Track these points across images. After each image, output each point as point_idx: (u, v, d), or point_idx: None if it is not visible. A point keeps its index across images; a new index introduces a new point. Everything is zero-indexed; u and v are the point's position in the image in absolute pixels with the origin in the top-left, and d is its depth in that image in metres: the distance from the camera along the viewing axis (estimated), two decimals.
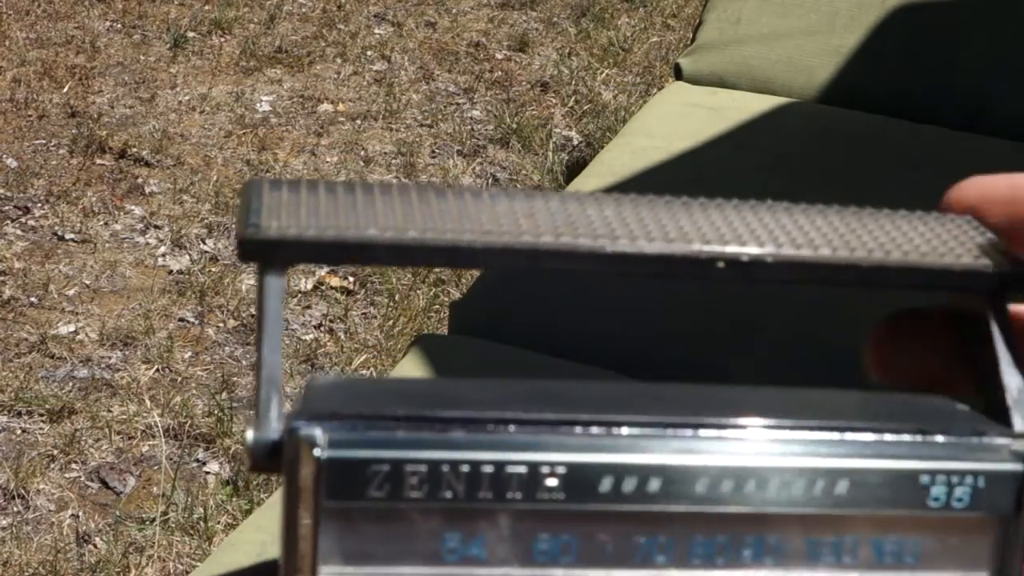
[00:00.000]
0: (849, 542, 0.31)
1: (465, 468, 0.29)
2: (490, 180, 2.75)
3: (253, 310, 2.28)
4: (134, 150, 2.72)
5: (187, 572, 1.76)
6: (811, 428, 0.31)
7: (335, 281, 2.38)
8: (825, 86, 2.05)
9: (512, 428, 0.30)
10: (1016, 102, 2.01)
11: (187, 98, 2.97)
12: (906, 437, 0.31)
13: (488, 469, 0.29)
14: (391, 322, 2.27)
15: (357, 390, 0.32)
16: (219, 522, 1.84)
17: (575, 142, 2.94)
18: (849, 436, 0.31)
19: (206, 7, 3.38)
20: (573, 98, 3.09)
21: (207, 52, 3.18)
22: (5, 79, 2.97)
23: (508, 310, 1.54)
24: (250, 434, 0.30)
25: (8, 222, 2.48)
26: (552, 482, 0.29)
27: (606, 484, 0.30)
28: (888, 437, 0.31)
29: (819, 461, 0.30)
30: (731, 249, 0.32)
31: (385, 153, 2.83)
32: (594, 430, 0.30)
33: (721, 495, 0.30)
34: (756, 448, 0.30)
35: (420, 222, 0.31)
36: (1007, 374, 0.32)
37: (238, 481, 1.91)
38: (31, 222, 2.48)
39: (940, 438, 0.31)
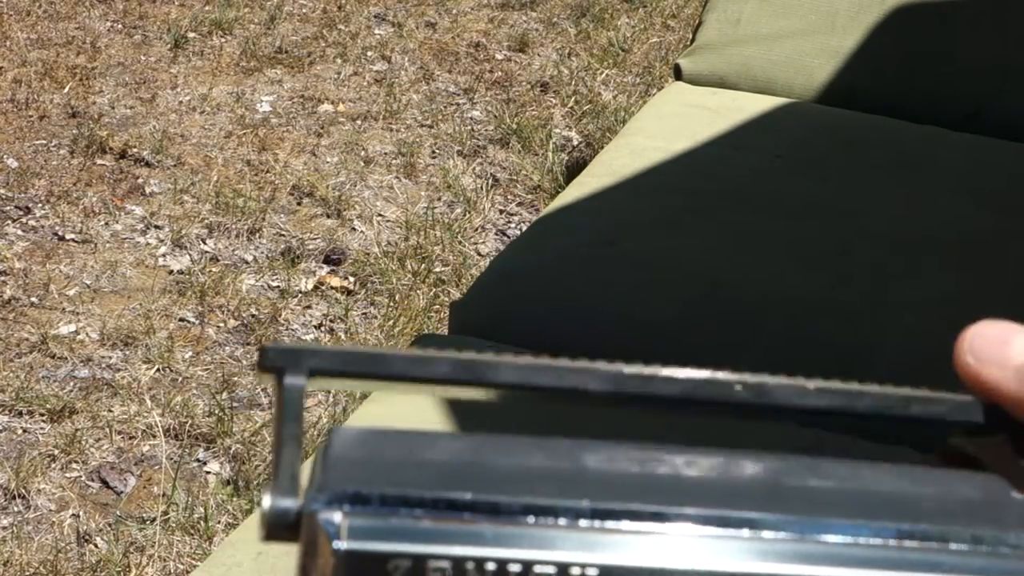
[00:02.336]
0: None
1: (491, 566, 0.27)
2: (490, 180, 2.76)
3: (253, 310, 2.28)
4: (135, 150, 2.73)
5: (187, 572, 1.76)
6: (850, 534, 0.28)
7: (335, 281, 2.38)
8: (825, 86, 2.05)
9: (542, 520, 0.28)
10: (1016, 102, 2.01)
11: (187, 98, 2.97)
12: (959, 546, 0.28)
13: (516, 568, 0.27)
14: (391, 322, 2.27)
15: (380, 452, 0.29)
16: (219, 522, 1.84)
17: (575, 142, 2.94)
18: (900, 543, 0.28)
19: (206, 8, 3.38)
20: (573, 98, 3.09)
21: (208, 52, 3.18)
22: (6, 79, 2.98)
23: (508, 310, 1.55)
24: (267, 500, 0.28)
25: (9, 222, 2.48)
26: None
27: None
28: (939, 546, 0.28)
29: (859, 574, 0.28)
30: (749, 376, 0.30)
31: (385, 153, 2.83)
32: (630, 525, 0.28)
33: None
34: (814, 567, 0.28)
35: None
36: None
37: (238, 481, 1.91)
38: (32, 222, 2.48)
39: (997, 549, 0.28)
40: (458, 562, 0.27)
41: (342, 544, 0.27)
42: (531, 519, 0.28)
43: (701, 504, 0.28)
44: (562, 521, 0.28)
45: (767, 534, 0.28)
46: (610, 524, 0.28)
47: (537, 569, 0.27)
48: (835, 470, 0.30)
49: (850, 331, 1.50)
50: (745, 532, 0.28)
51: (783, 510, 0.28)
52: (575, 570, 0.27)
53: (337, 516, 0.27)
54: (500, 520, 0.28)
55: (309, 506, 0.27)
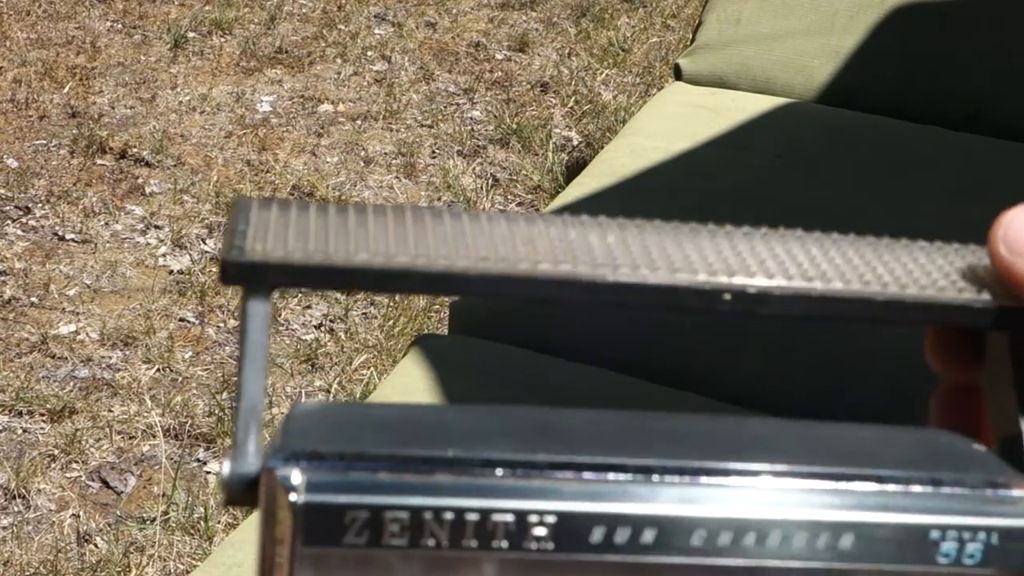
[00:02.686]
0: None
1: (449, 516, 0.27)
2: (490, 180, 2.76)
3: None
4: (134, 150, 2.73)
5: (187, 572, 1.76)
6: (816, 476, 0.29)
7: None
8: (825, 86, 2.05)
9: (500, 472, 0.28)
10: (1016, 102, 2.01)
11: (187, 98, 2.97)
12: (916, 488, 0.29)
13: (473, 517, 0.27)
14: (391, 322, 2.27)
15: (340, 420, 0.30)
16: (219, 522, 1.84)
17: (575, 142, 2.94)
18: (857, 486, 0.29)
19: (206, 7, 3.38)
20: (573, 98, 3.10)
21: (207, 52, 3.18)
22: (6, 79, 2.98)
23: (508, 310, 1.54)
24: (226, 466, 0.29)
25: (9, 222, 2.48)
26: (541, 531, 0.28)
27: (598, 534, 0.28)
28: (898, 488, 0.29)
29: (823, 514, 0.29)
30: (738, 281, 0.30)
31: (385, 153, 2.83)
32: (587, 475, 0.28)
33: (718, 547, 0.28)
34: (756, 498, 0.29)
35: (412, 247, 0.30)
36: None
37: None
38: (32, 222, 2.48)
39: (953, 490, 0.29)
40: (415, 513, 0.27)
41: (299, 498, 0.27)
42: (488, 471, 0.28)
43: (642, 453, 0.29)
44: (519, 472, 0.28)
45: (702, 479, 0.29)
46: (566, 475, 0.28)
47: (495, 518, 0.27)
48: (784, 426, 0.31)
49: (850, 328, 1.50)
50: (685, 479, 0.29)
51: (734, 457, 0.29)
52: (533, 518, 0.28)
53: (294, 472, 0.27)
54: (457, 471, 0.28)
55: (267, 464, 0.28)
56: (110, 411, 2.02)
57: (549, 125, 2.97)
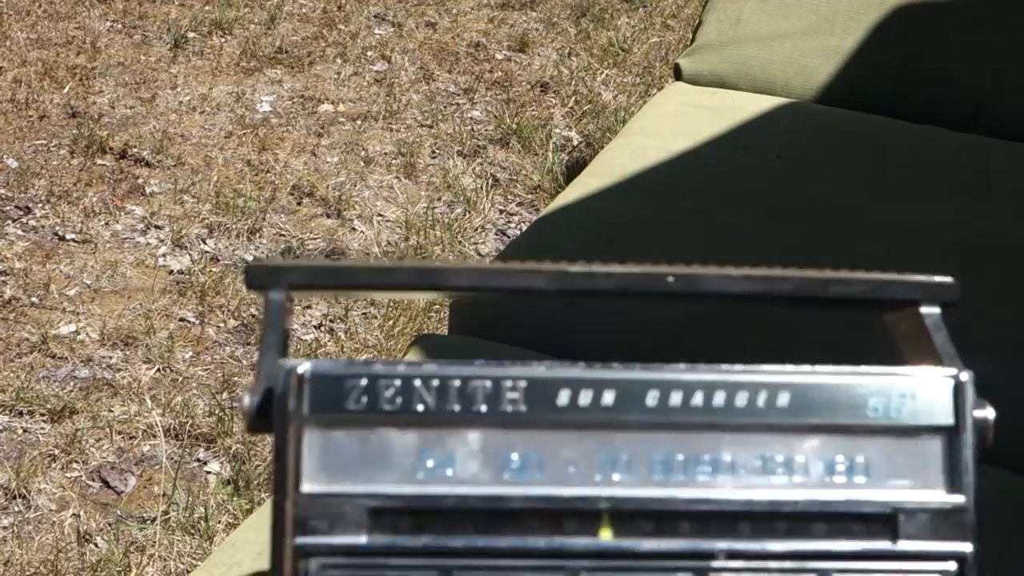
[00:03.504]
0: (801, 460, 0.32)
1: (435, 382, 0.32)
2: (490, 180, 2.75)
3: (253, 310, 2.28)
4: (135, 150, 2.73)
5: (188, 572, 1.76)
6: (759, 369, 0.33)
7: None
8: (825, 86, 2.05)
9: (479, 361, 0.33)
10: (1016, 102, 2.01)
11: (187, 98, 2.97)
12: (845, 367, 0.33)
13: (456, 383, 0.32)
14: (391, 322, 2.27)
15: (350, 366, 0.34)
16: (220, 522, 1.84)
17: (575, 142, 2.94)
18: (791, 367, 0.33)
19: (206, 7, 3.38)
20: (573, 98, 3.09)
21: (207, 52, 3.18)
22: (6, 79, 2.98)
23: (508, 310, 1.54)
24: (247, 398, 0.33)
25: (9, 222, 2.48)
26: (514, 395, 0.32)
27: (563, 397, 0.32)
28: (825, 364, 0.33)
29: (761, 376, 0.33)
30: (680, 268, 0.34)
31: (385, 153, 2.83)
32: (554, 361, 0.33)
33: (671, 408, 0.32)
34: (703, 368, 0.33)
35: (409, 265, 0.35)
36: None
37: (239, 481, 1.92)
38: (32, 222, 2.48)
39: (877, 367, 0.33)
40: (406, 381, 0.32)
41: (307, 370, 0.32)
42: (471, 364, 0.33)
43: (611, 359, 0.34)
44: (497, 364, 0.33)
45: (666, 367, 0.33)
46: (535, 361, 0.33)
47: (474, 383, 0.32)
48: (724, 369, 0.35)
49: (850, 328, 1.50)
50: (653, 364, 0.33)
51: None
52: (507, 383, 0.32)
53: (302, 364, 0.32)
54: (443, 363, 0.33)
55: (279, 364, 0.32)
56: (110, 411, 2.02)
57: (549, 125, 2.97)
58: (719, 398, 0.32)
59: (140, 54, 3.15)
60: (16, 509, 1.84)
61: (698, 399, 0.32)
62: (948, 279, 0.35)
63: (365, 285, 0.35)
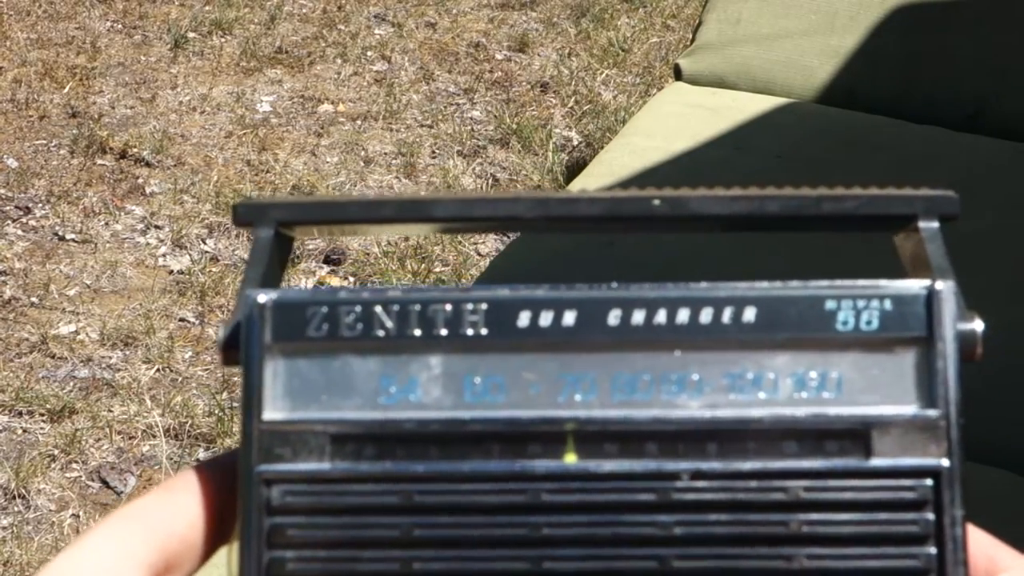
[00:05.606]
0: (769, 377, 0.32)
1: (396, 307, 0.32)
2: (490, 180, 2.75)
3: None
4: (135, 150, 2.73)
5: None
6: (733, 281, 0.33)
7: (335, 281, 2.38)
8: (825, 86, 2.05)
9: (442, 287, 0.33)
10: (1016, 102, 2.01)
11: (187, 98, 2.97)
12: (814, 281, 0.32)
13: (416, 308, 0.32)
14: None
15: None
16: None
17: (575, 142, 2.94)
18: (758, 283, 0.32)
19: (206, 7, 3.38)
20: (573, 98, 3.09)
21: (207, 52, 3.18)
22: (6, 79, 2.98)
23: None
24: (220, 331, 0.33)
25: (9, 222, 2.48)
26: (474, 317, 0.32)
27: (524, 318, 0.32)
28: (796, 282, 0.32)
29: (727, 291, 0.32)
30: (667, 192, 0.34)
31: (385, 153, 2.83)
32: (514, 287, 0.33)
33: (633, 327, 0.32)
34: (666, 285, 0.32)
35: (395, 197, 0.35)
36: None
37: None
38: (32, 222, 2.48)
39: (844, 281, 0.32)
40: (366, 306, 0.32)
41: (268, 299, 0.32)
42: (434, 289, 0.33)
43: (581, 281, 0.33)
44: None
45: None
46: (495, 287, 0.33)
47: (435, 307, 0.32)
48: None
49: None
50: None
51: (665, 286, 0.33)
52: (468, 306, 0.32)
53: (264, 291, 0.32)
54: (405, 288, 0.32)
55: (244, 294, 0.32)
56: (110, 411, 2.02)
57: (549, 125, 2.97)
58: (683, 315, 0.32)
59: (140, 54, 3.15)
60: (16, 509, 1.84)
61: (661, 316, 0.32)
62: (947, 192, 0.34)
63: (351, 219, 0.34)
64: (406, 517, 0.31)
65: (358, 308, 0.32)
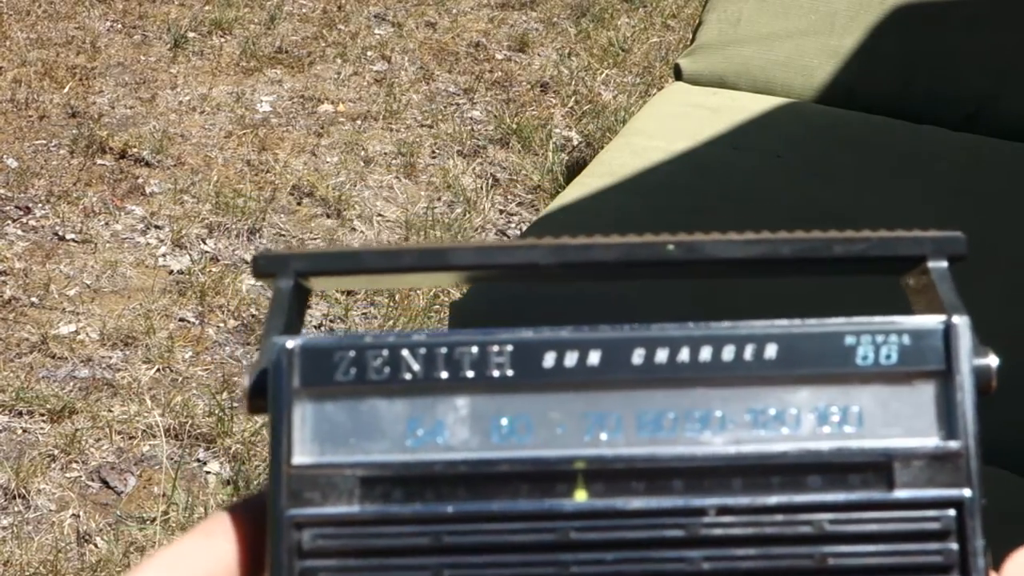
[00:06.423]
0: (792, 412, 0.32)
1: (422, 351, 0.32)
2: (490, 180, 2.75)
3: (253, 310, 2.28)
4: (134, 150, 2.73)
5: None
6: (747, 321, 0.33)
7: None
8: (825, 86, 2.05)
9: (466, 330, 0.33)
10: (1015, 102, 2.01)
11: (187, 98, 2.97)
12: (833, 318, 0.33)
13: (443, 351, 0.32)
14: (391, 322, 2.27)
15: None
16: None
17: (575, 142, 2.94)
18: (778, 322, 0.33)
19: (206, 7, 3.38)
20: (573, 98, 3.09)
21: (207, 52, 3.18)
22: (6, 79, 2.98)
23: (508, 309, 1.54)
24: (246, 379, 0.33)
25: (9, 222, 2.48)
26: (500, 359, 0.32)
27: (550, 359, 0.32)
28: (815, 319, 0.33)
29: (748, 329, 0.32)
30: (679, 236, 0.35)
31: (385, 153, 2.83)
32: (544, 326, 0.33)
33: (657, 365, 0.32)
34: (689, 325, 0.33)
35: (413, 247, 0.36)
36: None
37: (239, 481, 1.91)
38: (32, 222, 2.48)
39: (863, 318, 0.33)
40: (393, 351, 0.32)
41: (296, 344, 0.32)
42: (458, 332, 0.33)
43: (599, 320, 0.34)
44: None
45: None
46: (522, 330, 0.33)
47: (461, 349, 0.32)
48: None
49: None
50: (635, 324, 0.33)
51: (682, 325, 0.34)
52: (494, 348, 0.32)
53: (292, 339, 0.33)
54: (431, 332, 0.33)
55: (271, 342, 0.33)
56: (110, 411, 2.02)
57: (549, 125, 2.97)
58: (706, 353, 0.32)
59: (140, 54, 3.15)
60: (16, 509, 1.84)
61: (684, 355, 0.32)
62: (955, 233, 0.35)
63: (369, 269, 0.35)
64: (436, 558, 0.31)
65: (385, 352, 0.32)
